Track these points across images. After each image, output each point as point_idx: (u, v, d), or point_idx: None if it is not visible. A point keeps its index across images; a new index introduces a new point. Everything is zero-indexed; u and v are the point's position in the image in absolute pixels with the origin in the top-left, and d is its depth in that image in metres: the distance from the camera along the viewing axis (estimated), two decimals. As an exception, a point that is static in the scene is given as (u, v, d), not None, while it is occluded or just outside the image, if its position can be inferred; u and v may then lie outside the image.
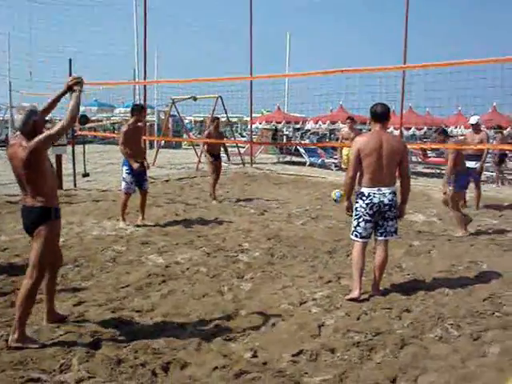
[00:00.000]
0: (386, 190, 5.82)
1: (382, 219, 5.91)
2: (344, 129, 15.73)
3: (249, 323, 5.17)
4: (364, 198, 5.84)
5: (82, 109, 29.66)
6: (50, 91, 26.41)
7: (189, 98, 20.33)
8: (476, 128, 12.32)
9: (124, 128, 9.52)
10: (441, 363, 4.35)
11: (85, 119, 16.51)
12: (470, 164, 12.05)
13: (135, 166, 9.11)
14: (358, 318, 5.31)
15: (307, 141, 28.47)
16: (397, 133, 21.15)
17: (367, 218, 5.87)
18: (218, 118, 13.53)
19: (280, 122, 26.13)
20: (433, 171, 19.70)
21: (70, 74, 14.45)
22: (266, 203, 12.20)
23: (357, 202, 5.94)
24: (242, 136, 37.36)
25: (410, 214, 11.09)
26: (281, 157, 24.12)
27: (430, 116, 24.24)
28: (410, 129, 21.89)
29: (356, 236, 6.00)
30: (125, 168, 9.30)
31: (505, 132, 21.49)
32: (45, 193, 4.56)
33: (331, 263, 7.28)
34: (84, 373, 4.06)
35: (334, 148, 21.82)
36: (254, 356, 4.48)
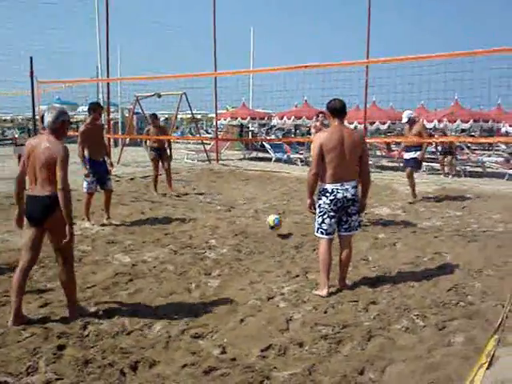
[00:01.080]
0: (348, 185, 5.83)
1: (346, 214, 5.93)
2: (316, 122, 15.80)
3: (217, 320, 5.17)
4: (328, 194, 5.83)
5: (44, 107, 29.35)
6: (13, 90, 26.09)
7: (153, 95, 20.18)
8: (410, 123, 12.51)
9: (81, 128, 9.47)
10: (407, 353, 4.41)
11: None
12: (407, 155, 12.33)
13: (85, 171, 9.03)
14: (326, 312, 5.36)
15: (273, 136, 28.54)
16: (361, 127, 21.35)
17: (332, 213, 5.88)
18: (155, 115, 13.70)
19: (245, 118, 26.12)
20: (397, 165, 19.89)
21: (32, 72, 14.26)
22: (232, 199, 12.20)
23: (320, 199, 5.92)
24: (208, 133, 37.26)
25: (375, 207, 11.23)
26: (247, 153, 24.13)
27: (393, 110, 24.51)
28: (373, 123, 22.10)
29: (322, 233, 5.99)
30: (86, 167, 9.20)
31: (466, 125, 21.85)
32: (54, 183, 4.81)
33: (298, 258, 7.32)
34: (51, 374, 4.01)
35: (300, 143, 21.97)
36: (223, 352, 4.48)
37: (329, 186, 5.82)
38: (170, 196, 12.53)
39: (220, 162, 21.27)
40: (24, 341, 4.58)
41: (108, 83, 20.03)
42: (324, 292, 5.84)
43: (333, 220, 5.91)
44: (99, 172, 9.25)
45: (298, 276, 6.50)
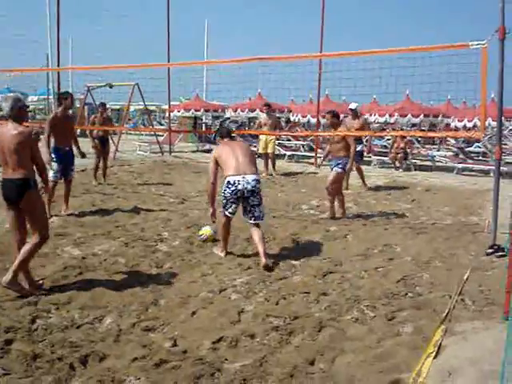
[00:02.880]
0: (249, 178, 6.71)
1: (249, 205, 6.81)
2: (262, 115, 15.97)
3: (168, 312, 5.15)
4: (230, 185, 6.72)
5: (-8, 96, 28.52)
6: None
7: (104, 86, 19.88)
8: (354, 114, 12.71)
9: (50, 116, 9.48)
10: (357, 344, 4.47)
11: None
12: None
13: (48, 158, 8.84)
14: (277, 303, 5.39)
15: (227, 129, 28.42)
16: (314, 121, 21.49)
17: (232, 200, 6.79)
18: (103, 105, 13.87)
19: (199, 110, 25.98)
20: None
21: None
22: (185, 192, 12.14)
23: (224, 191, 6.81)
24: (161, 124, 36.91)
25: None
26: (200, 145, 23.99)
27: (346, 104, 24.73)
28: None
29: (226, 210, 6.90)
30: (52, 156, 9.03)
31: (417, 120, 22.27)
32: (25, 166, 5.29)
33: (250, 250, 7.31)
34: (-2, 369, 3.93)
35: (254, 136, 21.98)
36: (174, 345, 4.47)
37: (231, 178, 6.72)
38: (104, 184, 12.87)
39: (173, 154, 21.12)
40: (-30, 335, 4.47)
41: (58, 73, 19.63)
42: (222, 254, 6.99)
43: (234, 205, 6.84)
44: (66, 161, 9.18)
45: (249, 268, 6.52)
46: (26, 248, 5.39)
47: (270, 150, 15.57)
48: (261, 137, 15.87)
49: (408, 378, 3.80)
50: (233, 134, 7.56)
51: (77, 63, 32.04)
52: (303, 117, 24.62)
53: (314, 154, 19.04)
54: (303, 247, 7.52)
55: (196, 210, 9.91)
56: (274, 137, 15.77)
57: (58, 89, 19.07)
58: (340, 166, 9.35)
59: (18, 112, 5.40)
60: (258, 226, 6.87)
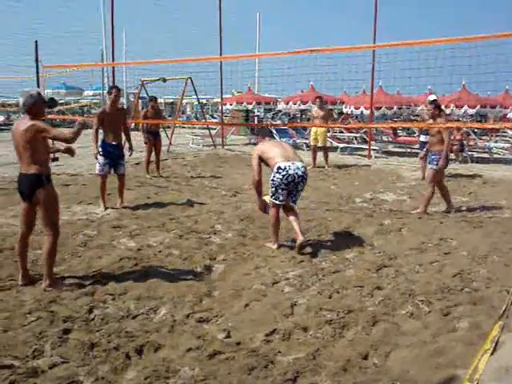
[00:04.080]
0: (298, 164, 6.87)
1: (295, 190, 6.95)
2: (314, 108, 15.91)
3: (222, 304, 5.18)
4: (281, 170, 6.79)
5: (49, 92, 29.20)
6: (14, 74, 26.05)
7: (158, 80, 20.12)
8: (435, 106, 12.44)
9: (98, 110, 9.65)
10: (412, 339, 4.41)
11: (53, 103, 16.24)
12: (424, 138, 12.24)
13: (94, 151, 9.06)
14: (330, 297, 5.36)
15: (278, 121, 28.45)
16: (367, 113, 21.23)
17: (283, 186, 6.84)
18: (155, 98, 14.17)
19: (251, 103, 26.02)
20: (403, 150, 19.81)
21: (37, 56, 14.22)
22: (238, 184, 12.20)
23: (274, 176, 6.83)
24: (213, 117, 37.14)
25: (380, 192, 11.22)
26: (252, 138, 24.05)
27: (400, 95, 24.36)
28: (380, 108, 21.96)
29: (275, 200, 6.95)
30: (99, 149, 9.21)
31: (473, 111, 21.72)
32: (37, 162, 5.29)
33: (303, 243, 7.31)
34: (57, 358, 4.03)
35: (305, 128, 21.90)
36: (228, 336, 4.49)
37: (281, 164, 6.81)
38: (158, 177, 13.09)
39: (226, 147, 21.24)
40: (30, 324, 4.60)
41: (113, 68, 19.98)
42: (275, 246, 7.01)
43: (284, 192, 6.89)
44: (112, 155, 9.32)
45: (302, 261, 6.50)
46: (45, 250, 5.49)
47: (320, 143, 15.46)
48: (312, 129, 15.80)
49: (464, 374, 3.73)
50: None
51: (130, 58, 32.47)
52: (356, 108, 24.31)
53: (367, 147, 18.86)
54: (356, 240, 7.46)
55: (249, 203, 9.91)
56: (324, 129, 15.63)
57: (113, 83, 19.42)
58: (434, 162, 9.19)
59: (31, 107, 5.33)
60: (294, 208, 7.14)
